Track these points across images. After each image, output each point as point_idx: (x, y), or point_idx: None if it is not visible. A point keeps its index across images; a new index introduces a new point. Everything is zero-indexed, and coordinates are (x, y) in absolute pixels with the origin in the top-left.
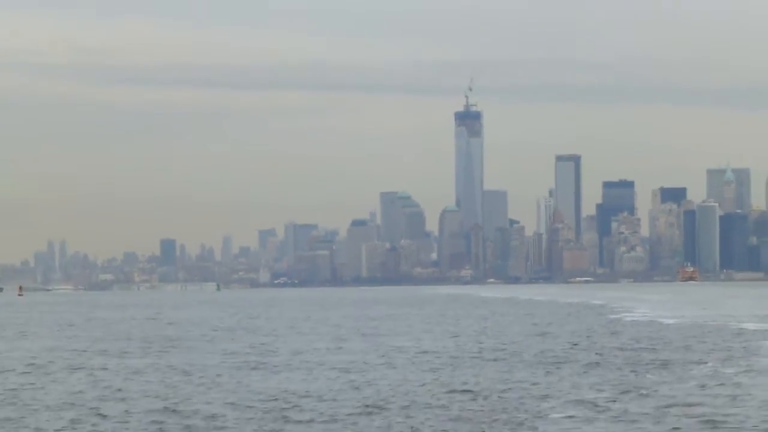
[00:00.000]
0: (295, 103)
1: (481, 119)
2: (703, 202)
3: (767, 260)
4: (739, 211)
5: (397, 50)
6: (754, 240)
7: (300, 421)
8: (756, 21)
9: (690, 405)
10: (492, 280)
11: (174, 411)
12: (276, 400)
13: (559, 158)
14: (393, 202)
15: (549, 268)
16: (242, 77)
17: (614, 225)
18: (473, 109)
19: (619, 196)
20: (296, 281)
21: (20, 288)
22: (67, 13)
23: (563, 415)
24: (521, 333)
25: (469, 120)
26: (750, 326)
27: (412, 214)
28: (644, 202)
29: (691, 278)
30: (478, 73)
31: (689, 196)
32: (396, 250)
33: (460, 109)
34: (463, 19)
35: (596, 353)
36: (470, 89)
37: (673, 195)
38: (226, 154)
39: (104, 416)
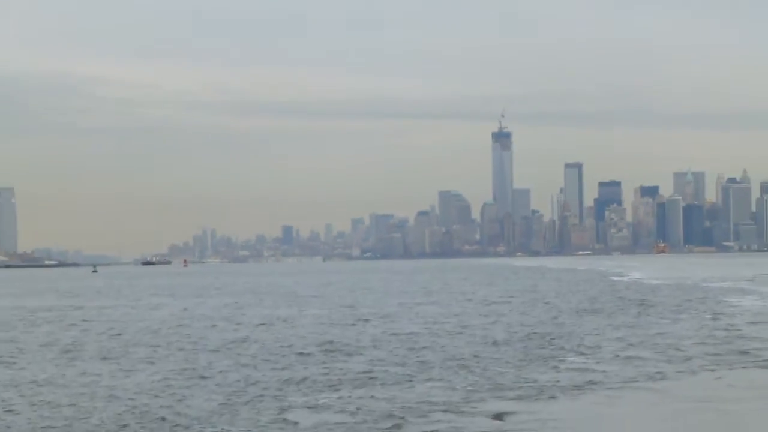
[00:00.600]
0: (379, 127)
1: (510, 138)
2: (671, 196)
3: (717, 238)
4: (696, 203)
5: (451, 86)
6: (707, 224)
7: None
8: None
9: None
10: (519, 253)
11: (331, 342)
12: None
13: (567, 165)
14: (448, 198)
15: (560, 244)
16: (341, 108)
17: (607, 213)
18: (505, 130)
19: (610, 193)
20: (378, 255)
21: (185, 261)
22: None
23: (600, 340)
24: (559, 289)
25: (502, 138)
26: (712, 285)
27: (461, 206)
28: (628, 197)
29: (662, 251)
30: (509, 103)
31: (661, 192)
32: (449, 232)
33: (496, 130)
34: (495, 62)
35: (615, 304)
36: (503, 116)
37: (649, 192)
38: (329, 166)
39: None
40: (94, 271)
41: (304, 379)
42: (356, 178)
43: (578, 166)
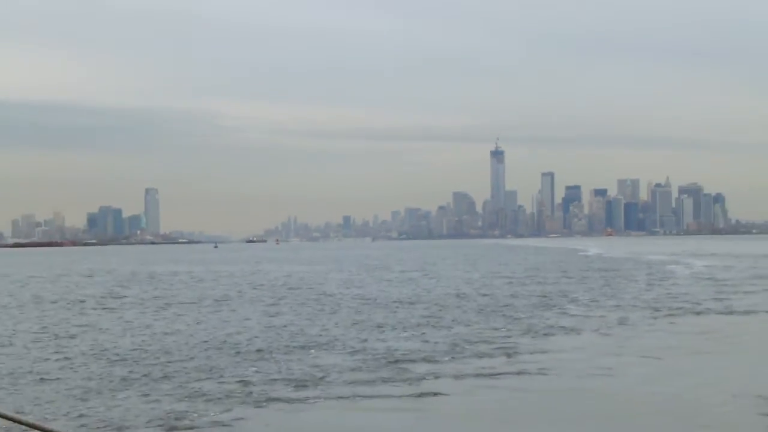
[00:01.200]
0: (414, 147)
1: (503, 154)
2: (615, 196)
3: (648, 226)
4: (633, 201)
5: (455, 119)
6: (641, 215)
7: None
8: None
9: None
10: (509, 236)
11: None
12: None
13: (543, 174)
14: (459, 196)
15: (538, 229)
16: (385, 133)
17: (571, 208)
18: (499, 149)
19: (573, 194)
20: (410, 237)
21: (276, 240)
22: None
23: (581, 300)
24: (546, 262)
25: (497, 155)
26: (652, 257)
27: (469, 203)
28: (586, 197)
29: (610, 234)
30: (502, 130)
31: (608, 193)
32: (460, 221)
33: (493, 149)
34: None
35: (588, 272)
36: (498, 139)
37: (600, 193)
38: (377, 173)
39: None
40: (215, 247)
41: (401, 319)
42: (396, 182)
43: (551, 175)
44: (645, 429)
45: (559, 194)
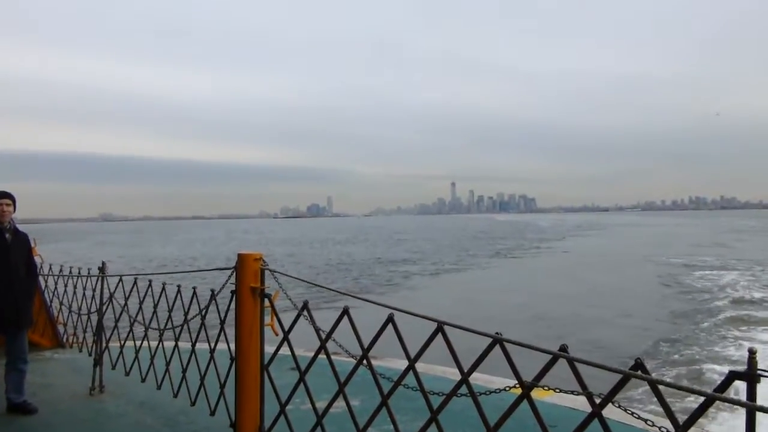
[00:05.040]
0: (412, 181)
1: (456, 185)
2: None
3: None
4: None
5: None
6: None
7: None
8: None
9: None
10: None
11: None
12: None
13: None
14: (439, 200)
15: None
16: (405, 171)
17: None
18: (454, 182)
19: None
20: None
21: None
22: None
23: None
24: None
25: (453, 185)
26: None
27: (442, 202)
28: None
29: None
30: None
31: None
32: (440, 208)
33: (451, 182)
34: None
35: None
36: (454, 178)
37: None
38: (399, 192)
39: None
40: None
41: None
42: (407, 194)
43: (472, 191)
44: None
45: (476, 198)
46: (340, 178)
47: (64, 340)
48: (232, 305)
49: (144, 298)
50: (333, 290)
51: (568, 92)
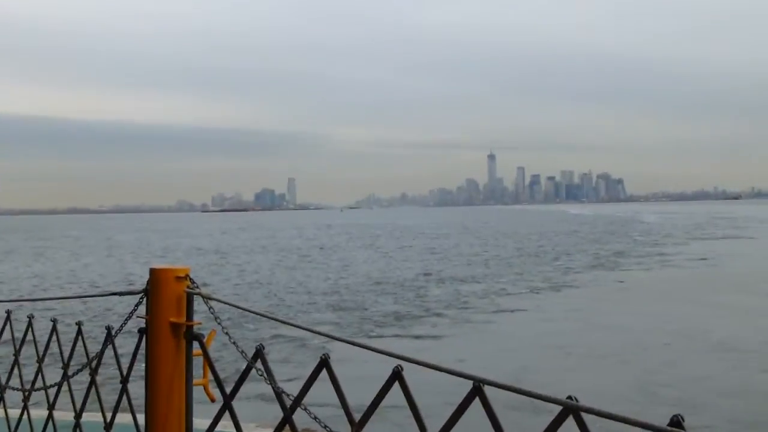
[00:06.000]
0: (442, 152)
1: (495, 157)
2: (559, 180)
3: (579, 198)
4: (570, 183)
5: (466, 135)
6: (575, 192)
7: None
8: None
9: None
10: (499, 204)
11: None
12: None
13: (518, 167)
14: (469, 181)
15: (516, 201)
16: (426, 143)
17: (534, 187)
18: (493, 153)
19: (535, 179)
20: (440, 205)
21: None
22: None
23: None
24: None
25: (491, 157)
26: (620, 214)
27: (475, 185)
28: (543, 181)
29: (559, 203)
30: (494, 141)
31: (556, 179)
32: (470, 195)
33: (489, 153)
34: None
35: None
36: (491, 148)
37: (551, 178)
38: (422, 168)
39: None
40: (341, 211)
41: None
42: (432, 173)
43: (522, 168)
44: None
45: (527, 180)
46: (308, 149)
47: None
48: (141, 350)
49: None
50: (301, 327)
51: (674, 7)
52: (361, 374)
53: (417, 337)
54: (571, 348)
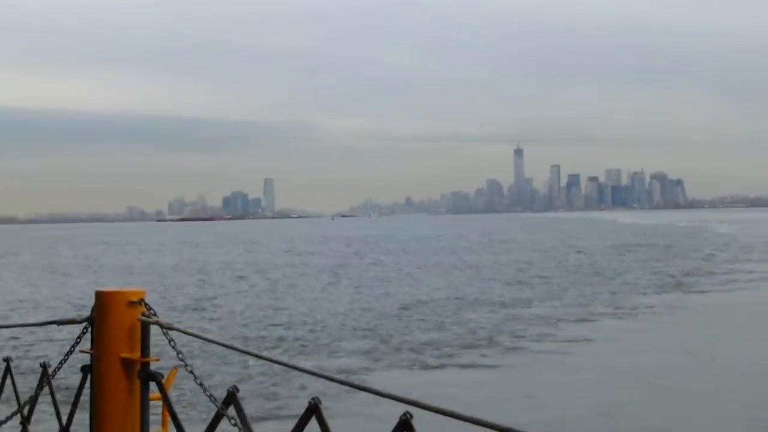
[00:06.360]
0: (454, 146)
1: (523, 152)
2: (603, 182)
3: (629, 203)
4: (618, 185)
5: (487, 126)
6: (623, 195)
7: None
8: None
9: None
10: (528, 211)
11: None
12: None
13: (552, 165)
14: (491, 182)
15: (549, 206)
16: (436, 136)
17: (572, 190)
18: (520, 148)
19: (573, 180)
20: (454, 212)
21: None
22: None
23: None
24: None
25: (518, 152)
26: (682, 224)
27: (498, 186)
28: (583, 182)
29: (603, 210)
30: (521, 134)
31: (599, 179)
32: (492, 200)
33: (515, 148)
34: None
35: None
36: (518, 141)
37: (593, 179)
38: (430, 166)
39: None
40: (332, 219)
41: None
42: (443, 172)
43: (557, 166)
44: None
45: (563, 180)
46: (289, 144)
47: None
48: (86, 393)
49: None
50: (283, 364)
51: None
52: (361, 422)
53: (466, 366)
54: (660, 381)
